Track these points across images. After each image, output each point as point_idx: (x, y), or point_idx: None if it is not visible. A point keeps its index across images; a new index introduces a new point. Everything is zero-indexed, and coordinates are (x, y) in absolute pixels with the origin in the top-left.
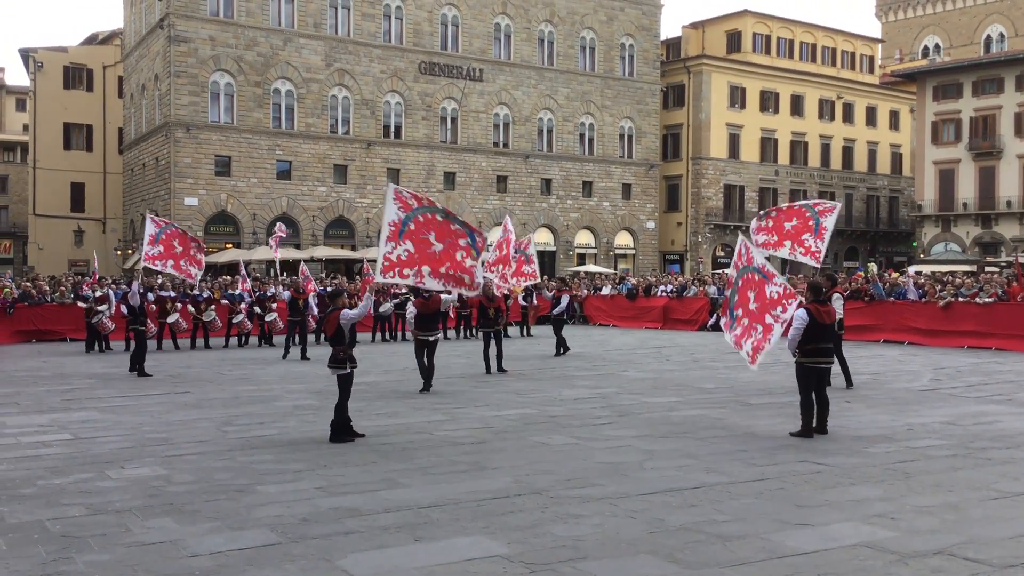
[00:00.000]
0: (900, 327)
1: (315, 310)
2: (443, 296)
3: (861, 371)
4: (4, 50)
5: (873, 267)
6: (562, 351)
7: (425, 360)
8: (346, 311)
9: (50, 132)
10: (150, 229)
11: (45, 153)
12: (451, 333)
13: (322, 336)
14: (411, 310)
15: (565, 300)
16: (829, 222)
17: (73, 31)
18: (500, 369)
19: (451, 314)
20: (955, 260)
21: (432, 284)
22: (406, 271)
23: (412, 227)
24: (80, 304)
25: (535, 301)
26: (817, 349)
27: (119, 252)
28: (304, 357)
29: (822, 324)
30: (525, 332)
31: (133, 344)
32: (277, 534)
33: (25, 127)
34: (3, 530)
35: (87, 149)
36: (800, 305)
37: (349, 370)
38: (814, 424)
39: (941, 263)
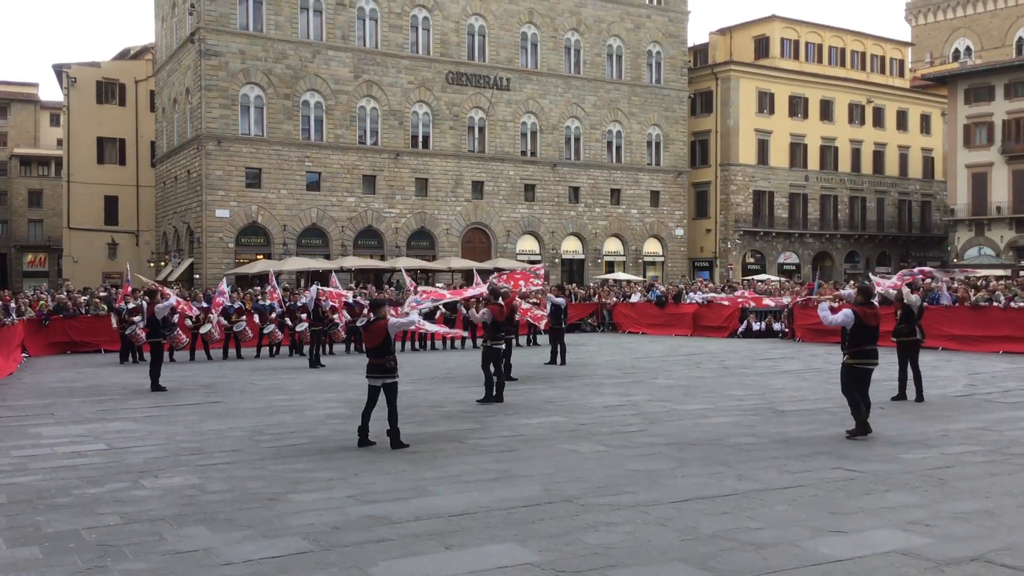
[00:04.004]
0: (934, 333)
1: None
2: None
3: (894, 377)
4: (38, 66)
5: None
6: (558, 361)
7: (491, 367)
8: (393, 319)
9: (83, 146)
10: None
11: (79, 167)
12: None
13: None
14: (485, 314)
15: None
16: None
17: (105, 47)
18: (510, 378)
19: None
20: (989, 264)
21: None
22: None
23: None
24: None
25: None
26: (864, 351)
27: (152, 264)
28: (319, 364)
29: (868, 326)
30: (532, 342)
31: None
32: (309, 542)
33: (59, 142)
34: (40, 539)
35: (120, 163)
36: (846, 306)
37: (395, 379)
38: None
39: (975, 267)
